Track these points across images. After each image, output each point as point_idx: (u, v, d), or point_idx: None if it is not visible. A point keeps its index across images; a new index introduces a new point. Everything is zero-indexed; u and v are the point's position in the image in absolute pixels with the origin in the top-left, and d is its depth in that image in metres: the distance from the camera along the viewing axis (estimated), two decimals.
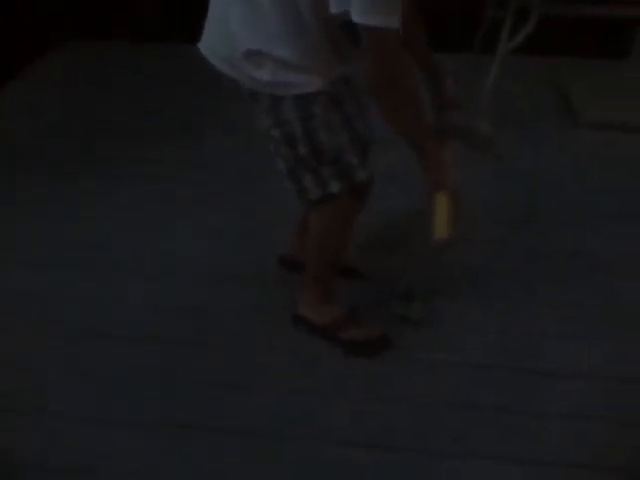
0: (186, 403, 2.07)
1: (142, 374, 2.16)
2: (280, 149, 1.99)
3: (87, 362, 2.20)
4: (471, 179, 2.16)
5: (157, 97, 3.76)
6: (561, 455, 1.94)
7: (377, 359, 2.20)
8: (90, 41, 4.34)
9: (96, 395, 2.09)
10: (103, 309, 2.39)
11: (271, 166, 2.03)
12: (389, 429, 2.00)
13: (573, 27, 3.81)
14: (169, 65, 4.07)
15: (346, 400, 2.09)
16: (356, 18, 1.71)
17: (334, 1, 1.75)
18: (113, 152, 3.24)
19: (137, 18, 4.37)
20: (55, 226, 2.79)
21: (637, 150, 3.27)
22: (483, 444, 1.97)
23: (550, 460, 1.93)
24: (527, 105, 3.61)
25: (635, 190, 3.00)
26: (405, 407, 2.07)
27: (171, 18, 4.34)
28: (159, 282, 2.51)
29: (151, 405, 2.06)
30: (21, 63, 3.91)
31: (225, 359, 2.21)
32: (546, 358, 2.20)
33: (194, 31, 2.04)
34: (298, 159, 1.98)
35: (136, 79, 3.98)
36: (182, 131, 3.44)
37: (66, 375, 2.15)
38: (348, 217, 2.12)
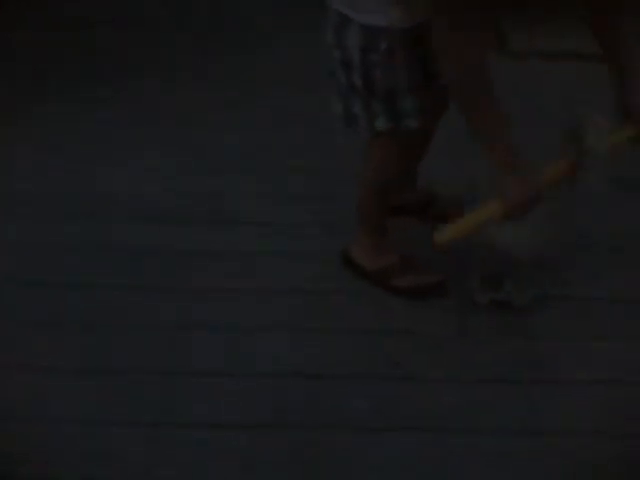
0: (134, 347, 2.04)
1: (89, 319, 2.11)
2: (337, 70, 1.94)
3: (36, 309, 2.13)
4: None
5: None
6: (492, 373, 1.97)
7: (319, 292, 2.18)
8: None
9: (47, 343, 2.04)
10: (43, 254, 2.31)
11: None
12: (331, 358, 2.01)
13: None
14: None
15: (292, 334, 2.07)
16: None
17: None
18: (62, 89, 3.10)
19: None
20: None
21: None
22: (425, 368, 1.98)
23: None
24: None
25: None
26: (345, 336, 2.06)
27: None
28: (104, 221, 2.45)
29: (98, 351, 2.02)
30: None
31: (176, 302, 2.17)
32: None
33: None
34: (351, 85, 1.92)
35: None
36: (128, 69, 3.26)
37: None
38: (396, 158, 2.03)
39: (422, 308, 2.12)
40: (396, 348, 2.02)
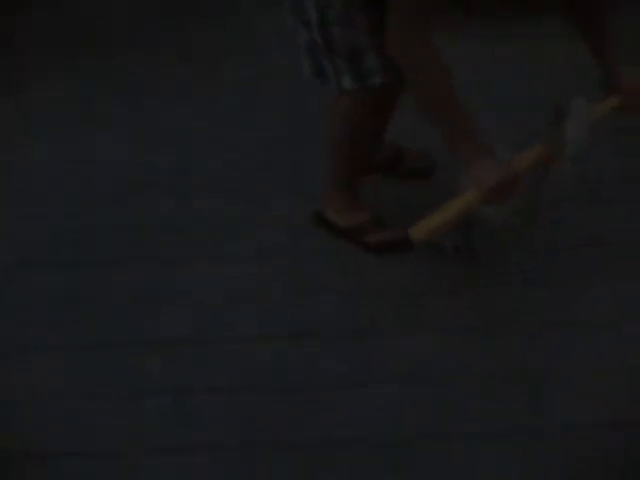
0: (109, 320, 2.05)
1: (62, 298, 2.11)
2: (300, 30, 1.97)
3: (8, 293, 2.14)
4: None
5: None
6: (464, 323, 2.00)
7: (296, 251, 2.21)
8: None
9: (37, 322, 2.04)
10: (26, 237, 2.31)
11: None
12: (305, 318, 2.03)
13: None
14: None
15: (267, 299, 2.09)
16: None
17: None
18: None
19: None
20: None
21: None
22: (400, 322, 2.01)
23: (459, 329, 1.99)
24: None
25: None
26: (319, 296, 2.09)
27: None
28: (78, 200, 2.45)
29: (73, 327, 2.03)
30: None
31: (149, 272, 2.18)
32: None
33: None
34: (315, 44, 1.95)
35: None
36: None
37: None
38: (365, 117, 2.04)
39: (394, 263, 2.16)
40: (371, 305, 2.06)
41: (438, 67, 1.75)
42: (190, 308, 2.06)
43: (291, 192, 2.43)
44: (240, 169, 2.54)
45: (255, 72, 3.02)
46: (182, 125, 2.76)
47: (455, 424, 1.77)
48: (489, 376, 1.87)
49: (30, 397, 1.86)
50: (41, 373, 1.91)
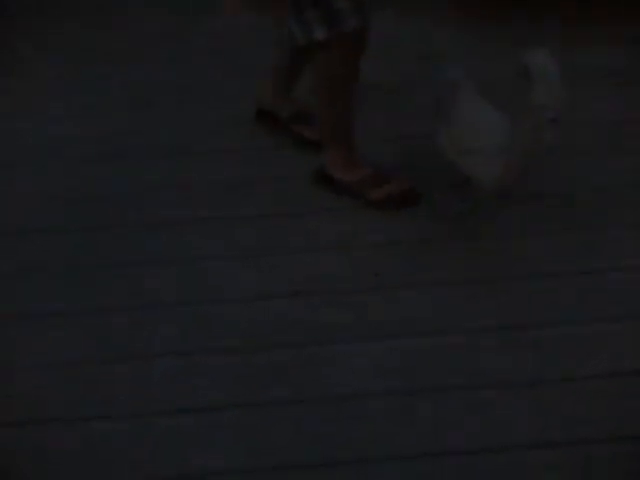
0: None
1: (44, 266, 2.06)
2: None
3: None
4: None
5: None
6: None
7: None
8: None
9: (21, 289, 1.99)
10: None
11: None
12: (310, 275, 2.00)
13: None
14: None
15: (264, 257, 2.07)
16: None
17: None
18: None
19: None
20: None
21: None
22: (404, 276, 1.98)
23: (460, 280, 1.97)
24: None
25: None
26: (322, 253, 2.06)
27: None
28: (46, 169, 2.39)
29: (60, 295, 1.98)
30: None
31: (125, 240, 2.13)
32: None
33: None
34: None
35: None
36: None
37: None
38: (349, 67, 2.01)
39: (396, 218, 2.13)
40: (375, 259, 2.03)
41: None
42: (190, 269, 2.03)
43: (275, 150, 2.39)
44: (223, 128, 2.49)
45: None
46: (147, 90, 2.70)
47: (460, 376, 1.74)
48: (491, 327, 1.84)
49: (30, 364, 1.81)
50: (41, 340, 1.86)
